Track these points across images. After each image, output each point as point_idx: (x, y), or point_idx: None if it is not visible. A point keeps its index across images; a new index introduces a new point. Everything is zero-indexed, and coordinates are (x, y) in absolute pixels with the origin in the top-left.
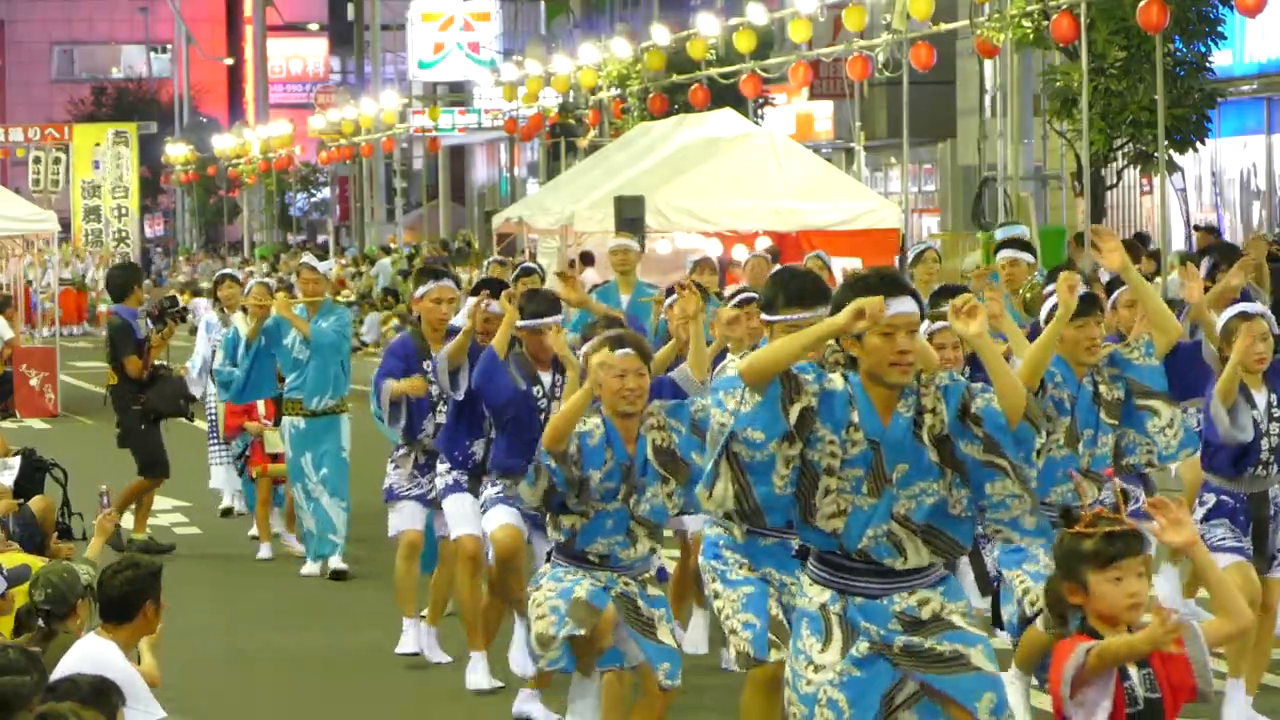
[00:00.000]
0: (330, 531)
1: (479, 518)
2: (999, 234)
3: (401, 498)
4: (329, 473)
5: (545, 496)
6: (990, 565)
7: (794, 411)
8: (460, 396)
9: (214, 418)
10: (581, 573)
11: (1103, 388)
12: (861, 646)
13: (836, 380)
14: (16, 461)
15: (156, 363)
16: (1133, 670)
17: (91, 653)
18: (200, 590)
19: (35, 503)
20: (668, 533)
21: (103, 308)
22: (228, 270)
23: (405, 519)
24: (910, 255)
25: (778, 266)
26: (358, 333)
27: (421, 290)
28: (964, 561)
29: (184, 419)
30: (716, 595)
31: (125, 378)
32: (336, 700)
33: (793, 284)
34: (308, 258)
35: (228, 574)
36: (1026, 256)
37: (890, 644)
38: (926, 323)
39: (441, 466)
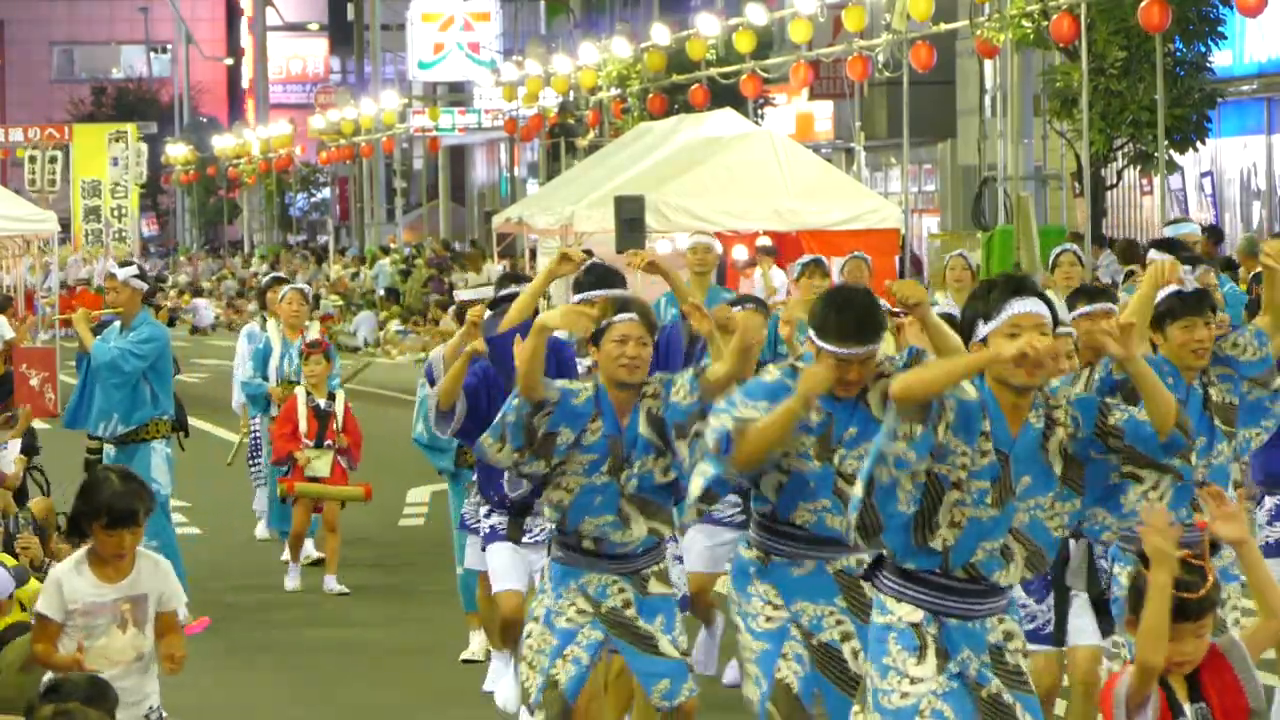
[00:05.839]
0: None
1: (518, 570)
2: (1168, 231)
3: (473, 529)
4: None
5: (509, 459)
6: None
7: (942, 428)
8: (445, 436)
9: (257, 435)
10: (572, 607)
11: (1213, 391)
12: (953, 669)
13: (969, 389)
14: (15, 444)
15: None
16: (1186, 706)
17: None
18: (201, 591)
19: (36, 504)
20: None
21: None
22: (279, 274)
23: (475, 557)
24: (1050, 259)
25: (831, 285)
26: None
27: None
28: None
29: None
30: (737, 629)
31: None
32: (338, 700)
33: (847, 315)
34: (110, 264)
35: (228, 573)
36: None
37: (983, 684)
38: None
39: (482, 509)
